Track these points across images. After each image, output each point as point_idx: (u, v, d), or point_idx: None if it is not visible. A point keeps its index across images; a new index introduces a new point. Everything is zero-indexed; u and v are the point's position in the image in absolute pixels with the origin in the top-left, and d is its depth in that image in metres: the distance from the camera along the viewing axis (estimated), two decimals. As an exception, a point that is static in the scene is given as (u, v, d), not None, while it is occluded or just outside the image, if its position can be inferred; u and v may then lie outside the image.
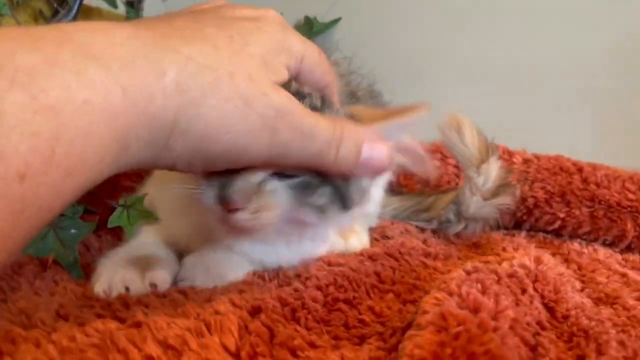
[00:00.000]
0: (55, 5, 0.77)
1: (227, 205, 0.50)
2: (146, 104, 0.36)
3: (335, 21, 1.05)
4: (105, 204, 0.64)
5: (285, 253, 0.65)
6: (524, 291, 0.55)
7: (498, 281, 0.55)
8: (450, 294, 0.47)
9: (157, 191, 0.65)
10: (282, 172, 0.51)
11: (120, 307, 0.51)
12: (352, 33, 0.91)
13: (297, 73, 0.48)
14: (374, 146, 0.47)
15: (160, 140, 0.39)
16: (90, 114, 0.32)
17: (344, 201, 0.54)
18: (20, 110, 0.29)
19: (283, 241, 0.64)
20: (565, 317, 0.53)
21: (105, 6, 0.87)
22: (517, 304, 0.51)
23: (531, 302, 0.53)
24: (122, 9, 0.88)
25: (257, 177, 0.50)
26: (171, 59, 0.38)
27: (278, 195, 0.52)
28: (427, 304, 0.46)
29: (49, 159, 0.30)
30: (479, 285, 0.50)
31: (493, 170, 0.79)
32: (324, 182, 0.52)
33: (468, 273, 0.55)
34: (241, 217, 0.51)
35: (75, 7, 0.80)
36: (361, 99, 0.80)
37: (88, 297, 0.52)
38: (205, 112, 0.39)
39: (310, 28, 1.04)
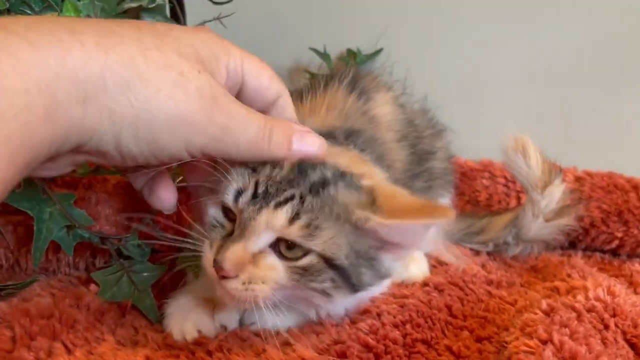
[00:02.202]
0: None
1: (218, 271, 0.48)
2: (62, 56, 0.36)
3: (378, 52, 1.05)
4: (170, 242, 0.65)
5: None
6: (606, 327, 0.54)
7: (579, 318, 0.54)
8: (543, 341, 0.46)
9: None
10: (284, 252, 0.49)
11: (204, 355, 0.51)
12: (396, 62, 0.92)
13: (242, 76, 0.48)
14: (304, 136, 0.49)
15: (97, 98, 0.38)
16: None
17: (351, 285, 0.51)
18: None
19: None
20: (652, 354, 0.52)
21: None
22: (604, 344, 0.51)
23: (615, 339, 0.52)
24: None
25: (255, 246, 0.49)
26: (86, 26, 0.38)
27: (275, 271, 0.49)
28: (520, 353, 0.45)
29: None
30: (567, 330, 0.49)
31: (557, 192, 0.77)
32: (329, 266, 0.49)
33: (547, 314, 0.54)
34: (231, 285, 0.48)
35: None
36: (419, 126, 0.80)
37: (170, 345, 0.52)
38: (139, 72, 0.39)
39: (353, 60, 1.04)
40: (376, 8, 1.08)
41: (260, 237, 0.48)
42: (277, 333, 0.56)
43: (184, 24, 0.92)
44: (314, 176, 0.50)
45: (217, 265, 0.48)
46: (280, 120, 0.49)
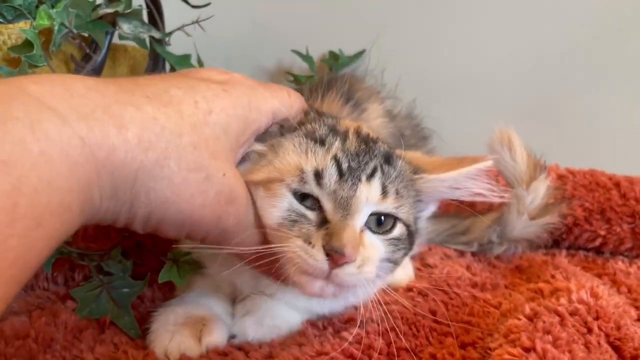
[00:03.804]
0: (87, 50, 0.76)
1: (337, 260, 0.45)
2: (108, 154, 0.36)
3: (360, 53, 1.04)
4: (152, 255, 0.64)
5: (332, 302, 0.61)
6: (589, 331, 0.54)
7: (562, 322, 0.54)
8: (526, 349, 0.46)
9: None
10: (374, 228, 0.50)
11: (186, 372, 0.50)
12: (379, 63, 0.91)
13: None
14: None
15: (123, 194, 0.39)
16: (49, 164, 0.32)
17: (411, 248, 0.54)
18: None
19: None
20: (634, 358, 0.52)
21: (131, 44, 0.86)
22: (587, 348, 0.51)
23: (599, 343, 0.52)
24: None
25: (361, 223, 0.48)
26: (133, 116, 0.38)
27: (378, 248, 0.49)
28: (503, 361, 0.45)
29: (12, 211, 0.30)
30: (550, 337, 0.49)
31: (542, 188, 0.77)
32: (408, 234, 0.51)
33: (530, 319, 0.54)
34: (348, 271, 0.46)
35: (105, 48, 0.79)
36: (407, 137, 0.79)
37: (151, 362, 0.51)
38: (168, 174, 0.40)
39: (335, 61, 1.04)
40: (358, 10, 1.07)
41: (362, 214, 0.48)
42: (260, 346, 0.55)
43: (163, 28, 0.91)
44: (382, 147, 0.52)
45: (335, 253, 0.45)
46: None
